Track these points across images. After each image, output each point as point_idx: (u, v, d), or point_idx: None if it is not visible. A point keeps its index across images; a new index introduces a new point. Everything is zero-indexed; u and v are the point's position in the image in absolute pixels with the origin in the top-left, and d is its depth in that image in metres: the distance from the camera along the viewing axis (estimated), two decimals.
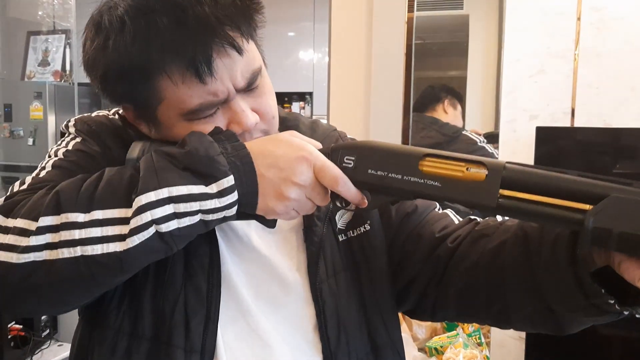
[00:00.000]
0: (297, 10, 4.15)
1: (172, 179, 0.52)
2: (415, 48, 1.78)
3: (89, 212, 0.52)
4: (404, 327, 1.56)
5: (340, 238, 0.71)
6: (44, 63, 3.29)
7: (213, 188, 0.53)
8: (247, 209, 0.56)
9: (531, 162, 1.34)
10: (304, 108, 4.43)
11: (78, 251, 0.51)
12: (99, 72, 0.60)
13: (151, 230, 0.52)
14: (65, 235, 0.52)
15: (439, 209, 0.75)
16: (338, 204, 0.62)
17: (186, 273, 0.63)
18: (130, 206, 0.52)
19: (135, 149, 0.62)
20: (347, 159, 0.58)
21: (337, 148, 0.59)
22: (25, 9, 3.38)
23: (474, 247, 0.66)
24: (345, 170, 0.58)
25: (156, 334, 0.62)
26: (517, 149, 1.45)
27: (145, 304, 0.63)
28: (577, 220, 0.48)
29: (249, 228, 0.67)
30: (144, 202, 0.51)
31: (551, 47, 1.41)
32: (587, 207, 0.48)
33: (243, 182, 0.54)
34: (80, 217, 0.52)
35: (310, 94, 4.35)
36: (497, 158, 1.52)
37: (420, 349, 1.56)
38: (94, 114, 0.72)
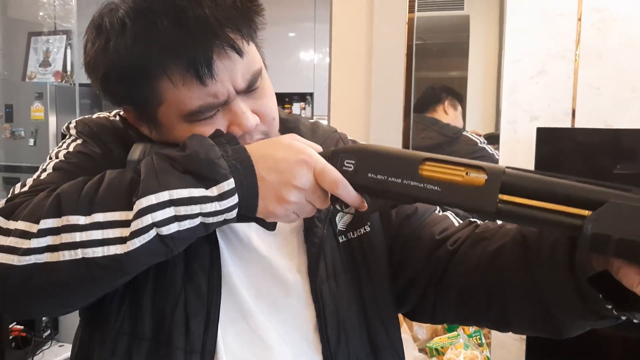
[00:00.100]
0: (298, 11, 4.15)
1: (173, 182, 0.53)
2: (416, 48, 1.78)
3: (90, 215, 0.52)
4: (404, 327, 1.56)
5: (341, 239, 0.71)
6: (45, 64, 3.29)
7: (214, 191, 0.53)
8: (247, 212, 0.56)
9: (532, 162, 1.34)
10: (304, 108, 4.43)
11: (79, 253, 0.52)
12: (99, 74, 0.60)
13: (152, 233, 0.52)
14: (66, 237, 0.52)
15: (439, 211, 0.76)
16: (338, 207, 0.62)
17: (186, 274, 0.63)
18: (131, 209, 0.52)
19: (136, 151, 0.62)
20: (347, 163, 0.58)
21: (337, 151, 0.59)
22: (27, 10, 3.39)
23: (474, 249, 0.66)
24: (345, 173, 0.58)
25: (156, 334, 0.62)
26: (517, 149, 1.45)
27: (146, 305, 0.63)
28: (576, 226, 0.48)
29: (250, 229, 0.68)
30: (144, 205, 0.52)
31: (552, 48, 1.41)
32: (586, 212, 0.48)
33: (243, 185, 0.54)
34: (81, 220, 0.52)
35: (311, 94, 4.36)
36: (497, 158, 1.52)
37: (421, 350, 1.56)
38: (94, 116, 0.72)
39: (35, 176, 0.63)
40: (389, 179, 0.56)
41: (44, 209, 0.53)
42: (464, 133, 1.85)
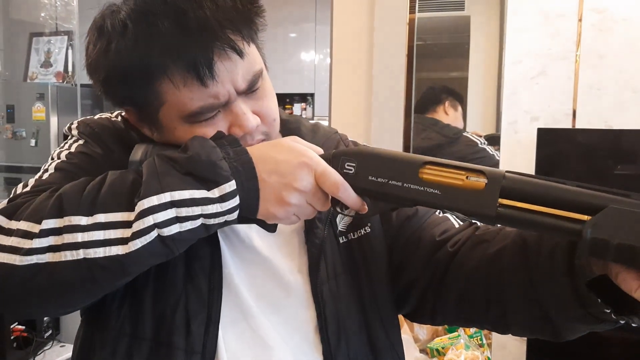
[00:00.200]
0: (299, 12, 4.15)
1: (175, 184, 0.53)
2: (417, 49, 1.78)
3: (92, 216, 0.52)
4: (405, 328, 1.56)
5: (341, 240, 0.71)
6: (47, 64, 3.30)
7: (215, 193, 0.53)
8: (248, 214, 0.56)
9: (532, 163, 1.34)
10: (305, 109, 4.43)
11: (80, 254, 0.52)
12: (101, 75, 0.60)
13: (153, 234, 0.52)
14: (68, 238, 0.52)
15: (439, 213, 0.76)
16: (338, 210, 0.63)
17: (187, 275, 0.64)
18: (132, 210, 0.52)
19: (137, 152, 0.62)
20: (348, 165, 0.59)
21: (338, 154, 0.60)
22: (28, 11, 3.40)
23: (474, 252, 0.67)
24: (346, 176, 0.58)
25: (157, 335, 0.63)
26: (518, 150, 1.45)
27: (146, 306, 0.63)
28: (575, 231, 0.48)
29: (251, 230, 0.68)
30: (146, 206, 0.52)
31: (552, 49, 1.41)
32: (585, 217, 0.48)
33: (244, 187, 0.54)
34: (83, 220, 0.52)
35: (312, 95, 4.35)
36: (498, 159, 1.52)
37: (422, 350, 1.56)
38: (96, 117, 0.72)
39: (37, 176, 0.63)
40: (390, 182, 0.57)
41: (46, 209, 0.53)
42: (464, 134, 1.84)
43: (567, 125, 1.41)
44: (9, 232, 0.53)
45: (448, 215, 0.75)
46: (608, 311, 0.53)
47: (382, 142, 1.75)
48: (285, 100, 4.39)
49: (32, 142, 3.11)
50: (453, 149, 1.85)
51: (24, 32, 3.38)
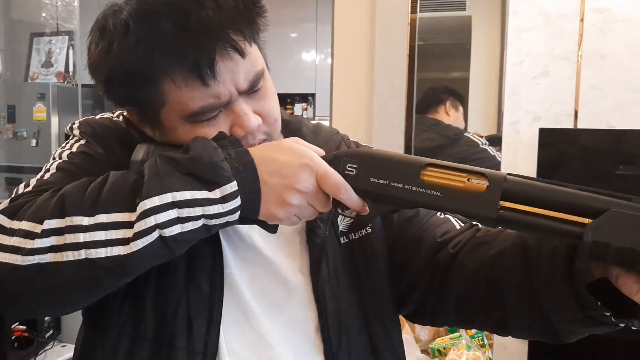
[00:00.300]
0: (300, 12, 4.15)
1: (176, 184, 0.53)
2: (418, 49, 1.78)
3: (94, 216, 0.52)
4: (406, 328, 1.56)
5: (342, 240, 0.71)
6: (47, 64, 3.30)
7: (216, 194, 0.53)
8: (249, 215, 0.56)
9: (534, 163, 1.34)
10: (306, 109, 4.43)
11: (82, 254, 0.52)
12: (103, 76, 0.60)
13: (155, 235, 0.52)
14: (69, 238, 0.52)
15: (440, 214, 0.76)
16: (339, 211, 0.63)
17: (189, 275, 0.64)
18: (134, 210, 0.52)
19: (139, 152, 0.62)
20: (349, 167, 0.59)
21: (339, 155, 0.60)
22: (29, 11, 3.40)
23: (474, 253, 0.67)
24: (347, 177, 0.58)
25: (158, 335, 0.63)
26: (519, 150, 1.45)
27: (148, 306, 0.63)
28: (576, 234, 0.48)
29: (252, 230, 0.68)
30: (148, 207, 0.52)
31: (554, 49, 1.41)
32: (586, 220, 0.49)
33: (246, 188, 0.54)
34: (85, 221, 0.52)
35: (313, 95, 4.35)
36: (499, 160, 1.52)
37: (423, 351, 1.56)
38: (98, 117, 0.72)
39: (38, 176, 0.63)
40: (391, 183, 0.57)
41: (47, 209, 0.53)
42: (466, 134, 1.84)
43: (569, 125, 1.41)
44: (10, 232, 0.53)
45: (449, 216, 0.74)
46: (608, 314, 0.53)
47: (383, 143, 1.75)
48: (286, 100, 4.39)
49: (33, 142, 3.11)
50: (454, 149, 1.84)
51: (24, 32, 3.38)
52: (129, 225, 0.52)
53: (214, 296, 0.63)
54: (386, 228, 0.74)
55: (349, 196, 0.58)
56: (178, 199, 0.53)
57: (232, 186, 0.54)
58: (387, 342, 0.73)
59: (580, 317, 0.56)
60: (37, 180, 0.62)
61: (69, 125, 0.72)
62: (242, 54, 0.59)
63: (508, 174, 0.53)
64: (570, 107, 1.41)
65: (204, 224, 0.54)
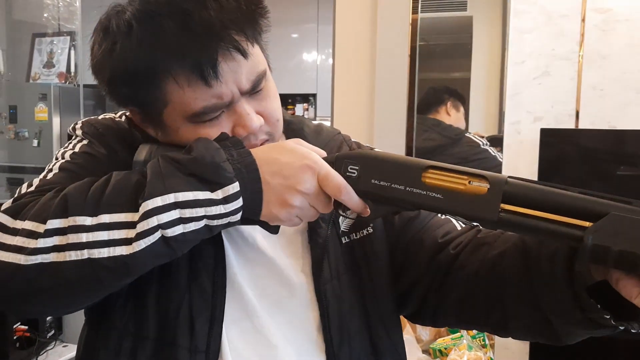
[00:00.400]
0: (301, 12, 4.16)
1: (179, 185, 0.53)
2: (419, 49, 1.78)
3: (96, 216, 0.53)
4: (408, 328, 1.56)
5: (344, 240, 0.71)
6: (49, 65, 3.30)
7: (218, 194, 0.53)
8: (251, 215, 0.56)
9: (535, 163, 1.34)
10: (307, 110, 4.43)
11: (85, 254, 0.52)
12: (106, 76, 0.61)
13: (157, 235, 0.52)
14: (72, 238, 0.52)
15: (441, 215, 0.76)
16: (341, 212, 0.63)
17: (191, 274, 0.64)
18: (137, 210, 0.52)
19: (142, 152, 0.63)
20: (351, 169, 0.59)
21: (341, 157, 0.60)
22: (31, 11, 3.40)
23: (475, 255, 0.67)
24: (348, 179, 0.58)
25: (161, 334, 0.63)
26: (521, 150, 1.45)
27: (150, 305, 0.63)
28: (576, 237, 0.49)
29: (254, 230, 0.68)
30: (150, 207, 0.52)
31: (555, 49, 1.41)
32: (586, 224, 0.49)
33: (248, 189, 0.55)
34: (88, 221, 0.53)
35: (314, 95, 4.36)
36: (500, 161, 1.52)
37: (425, 351, 1.56)
38: (100, 117, 0.73)
39: (41, 176, 0.64)
40: (392, 185, 0.57)
41: (50, 209, 0.53)
42: (466, 135, 1.84)
43: (570, 125, 1.41)
44: (14, 232, 0.53)
45: (450, 217, 0.75)
46: (608, 317, 0.53)
47: (384, 143, 1.75)
48: (287, 100, 4.39)
49: (35, 143, 3.12)
50: (455, 150, 1.85)
51: (26, 33, 3.38)
52: (131, 225, 0.52)
53: (216, 295, 0.63)
54: (387, 229, 0.74)
55: (350, 197, 0.58)
56: (180, 200, 0.53)
57: (234, 187, 0.54)
58: (388, 342, 0.73)
59: (580, 319, 0.56)
60: (40, 180, 0.63)
61: (72, 125, 0.72)
62: (244, 54, 0.59)
63: (509, 176, 0.53)
64: (572, 108, 1.41)
65: (206, 225, 0.55)
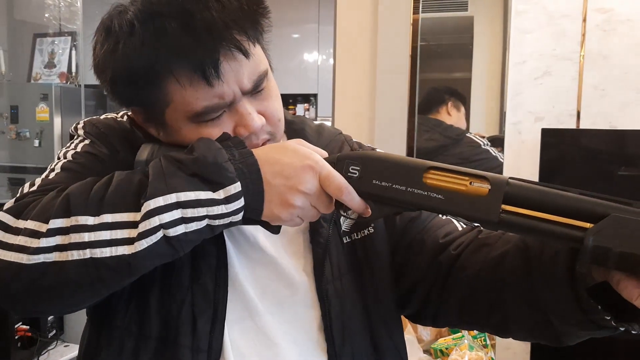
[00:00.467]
0: (302, 12, 4.16)
1: (181, 185, 0.53)
2: (420, 50, 1.78)
3: (99, 216, 0.53)
4: (409, 328, 1.56)
5: (345, 240, 0.71)
6: (50, 65, 3.30)
7: (220, 194, 0.53)
8: (252, 215, 0.56)
9: (536, 163, 1.34)
10: (308, 110, 4.43)
11: (87, 253, 0.52)
12: (108, 75, 0.61)
13: (159, 235, 0.53)
14: (75, 237, 0.52)
15: (442, 215, 0.76)
16: (342, 212, 0.63)
17: (193, 274, 0.64)
18: (139, 210, 0.53)
19: (144, 152, 0.63)
20: (352, 169, 0.59)
21: (342, 157, 0.60)
22: (32, 12, 3.40)
23: (476, 255, 0.67)
24: (350, 179, 0.58)
25: (163, 333, 0.63)
26: (522, 150, 1.45)
27: (152, 304, 0.63)
28: (577, 238, 0.49)
29: (256, 229, 0.68)
30: (152, 207, 0.52)
31: (557, 49, 1.41)
32: (587, 225, 0.49)
33: (249, 189, 0.55)
34: (90, 220, 0.53)
35: (315, 95, 4.36)
36: (501, 161, 1.52)
37: (426, 351, 1.56)
38: (102, 117, 0.73)
39: (43, 176, 0.64)
40: (393, 186, 0.57)
41: (53, 209, 0.53)
42: (467, 135, 1.84)
43: (572, 125, 1.41)
44: (16, 231, 0.54)
45: (451, 217, 0.75)
46: (608, 318, 0.53)
47: (385, 143, 1.75)
48: (288, 100, 4.39)
49: (36, 143, 3.12)
50: (456, 150, 1.85)
51: (27, 33, 3.38)
52: (133, 225, 0.53)
53: (218, 295, 0.63)
54: (389, 229, 0.74)
55: (352, 198, 0.58)
56: (182, 200, 0.53)
57: (236, 187, 0.54)
58: (389, 342, 0.73)
59: (580, 320, 0.56)
60: (42, 179, 0.63)
61: (74, 125, 0.72)
62: (246, 54, 0.59)
63: (510, 177, 0.53)
64: (573, 108, 1.41)
65: (207, 225, 0.55)
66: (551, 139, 1.33)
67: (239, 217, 0.55)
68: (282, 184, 0.56)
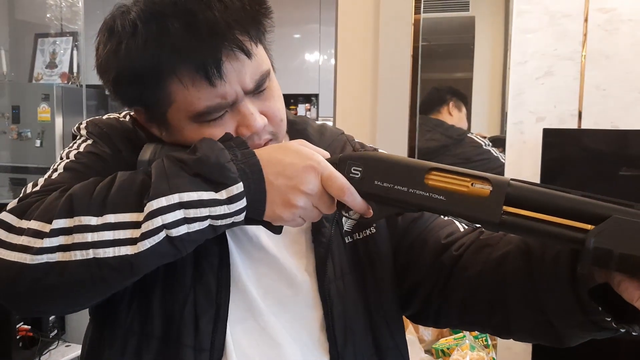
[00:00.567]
0: (303, 13, 4.16)
1: (183, 185, 0.53)
2: (422, 50, 1.78)
3: (102, 216, 0.53)
4: (410, 329, 1.56)
5: (347, 240, 0.71)
6: (52, 65, 3.31)
7: (222, 194, 0.54)
8: (255, 215, 0.56)
9: (538, 163, 1.34)
10: (309, 110, 4.43)
11: (90, 254, 0.52)
12: (111, 75, 0.61)
13: (161, 235, 0.53)
14: (78, 237, 0.52)
15: (444, 216, 0.76)
16: (344, 213, 0.63)
17: (196, 273, 0.64)
18: (141, 210, 0.53)
19: (146, 152, 0.63)
20: (354, 170, 0.59)
21: (344, 158, 0.60)
22: (33, 12, 3.41)
23: (478, 256, 0.67)
24: (352, 180, 0.58)
25: (166, 333, 0.63)
26: (523, 150, 1.45)
27: (155, 304, 0.63)
28: (578, 240, 0.49)
29: (259, 229, 0.68)
30: (155, 207, 0.52)
31: (558, 49, 1.41)
32: (588, 227, 0.49)
33: (252, 189, 0.55)
34: (93, 221, 0.53)
35: (316, 95, 4.35)
36: (502, 162, 1.52)
37: (427, 351, 1.56)
38: (104, 117, 0.73)
39: (46, 176, 0.64)
40: (395, 187, 0.57)
41: (56, 209, 0.54)
42: (469, 135, 1.84)
43: (573, 125, 1.41)
44: (19, 231, 0.54)
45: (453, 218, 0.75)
46: (609, 319, 0.54)
47: (387, 143, 1.75)
48: (289, 101, 4.39)
49: (37, 143, 3.12)
50: (458, 150, 1.85)
51: (29, 33, 3.39)
52: (136, 225, 0.53)
53: (220, 294, 0.63)
54: (391, 229, 0.74)
55: (354, 199, 0.58)
56: (185, 200, 0.53)
57: (238, 187, 0.54)
58: (391, 342, 0.73)
59: (581, 321, 0.56)
60: (45, 179, 0.63)
61: (76, 125, 0.72)
62: (248, 54, 0.59)
63: (511, 179, 0.53)
64: (575, 108, 1.41)
65: (210, 225, 0.55)
66: (553, 139, 1.33)
67: (241, 217, 0.56)
68: (284, 185, 0.56)
